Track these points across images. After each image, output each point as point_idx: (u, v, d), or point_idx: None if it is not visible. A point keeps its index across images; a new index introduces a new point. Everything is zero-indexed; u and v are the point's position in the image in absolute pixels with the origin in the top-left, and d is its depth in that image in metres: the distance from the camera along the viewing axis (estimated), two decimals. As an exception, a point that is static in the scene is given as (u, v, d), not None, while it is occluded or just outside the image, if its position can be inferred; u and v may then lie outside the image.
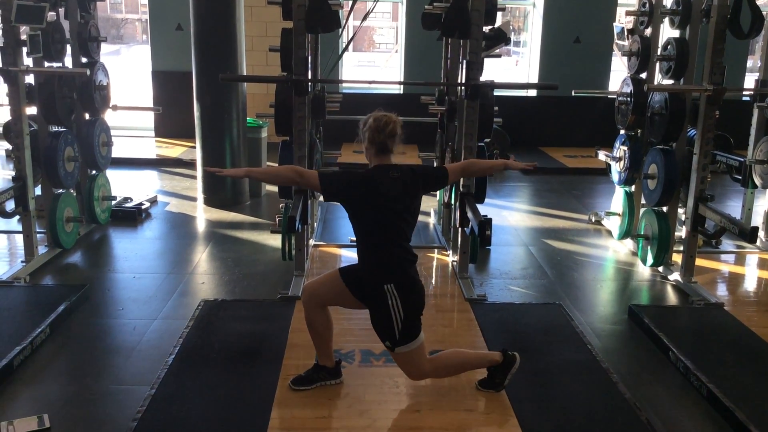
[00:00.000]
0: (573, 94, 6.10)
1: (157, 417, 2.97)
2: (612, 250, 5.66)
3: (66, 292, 4.22)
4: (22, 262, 4.75)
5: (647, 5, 5.42)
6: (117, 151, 6.27)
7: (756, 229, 4.51)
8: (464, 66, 4.57)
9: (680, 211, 5.23)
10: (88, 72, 5.31)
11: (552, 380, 3.39)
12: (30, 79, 4.91)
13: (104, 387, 3.31)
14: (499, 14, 4.78)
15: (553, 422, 3.02)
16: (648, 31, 5.47)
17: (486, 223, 4.03)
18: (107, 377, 3.41)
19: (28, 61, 4.78)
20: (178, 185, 7.54)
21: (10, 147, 4.80)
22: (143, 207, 6.29)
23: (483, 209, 4.39)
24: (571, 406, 3.16)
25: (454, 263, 4.96)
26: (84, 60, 5.49)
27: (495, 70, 10.50)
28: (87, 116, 5.64)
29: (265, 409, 3.04)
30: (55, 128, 5.13)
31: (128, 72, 16.30)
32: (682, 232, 5.07)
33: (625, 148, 5.55)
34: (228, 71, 6.24)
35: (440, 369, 3.18)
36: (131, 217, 6.11)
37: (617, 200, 5.87)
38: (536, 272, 5.08)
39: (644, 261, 5.18)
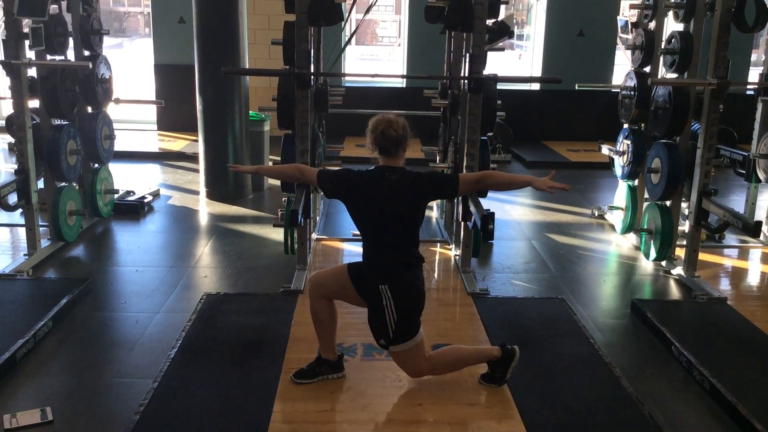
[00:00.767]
0: (576, 87, 6.08)
1: (159, 410, 2.97)
2: (615, 245, 5.65)
3: (69, 286, 4.22)
4: (24, 255, 4.76)
5: (651, -2, 5.40)
6: (119, 145, 6.27)
7: (759, 223, 4.51)
8: (467, 59, 4.55)
9: (683, 205, 5.22)
10: (91, 65, 5.30)
11: (554, 374, 3.38)
12: (32, 72, 4.90)
13: (107, 380, 3.32)
14: (502, 7, 4.76)
15: (555, 416, 3.02)
16: (652, 25, 5.44)
17: (489, 217, 4.03)
18: (110, 370, 3.41)
19: (30, 54, 4.78)
20: (181, 179, 7.54)
21: (12, 140, 4.80)
22: (146, 200, 6.29)
23: (486, 203, 4.39)
24: (574, 400, 3.16)
25: (457, 257, 4.95)
26: (86, 53, 5.48)
27: (498, 63, 10.47)
28: (89, 109, 5.63)
29: (267, 402, 3.04)
30: (57, 121, 5.13)
31: (131, 65, 16.28)
32: (685, 226, 5.06)
33: (629, 142, 5.54)
34: (230, 64, 6.23)
35: (438, 366, 3.18)
36: (134, 210, 6.11)
37: (620, 194, 5.85)
38: (539, 266, 5.07)
39: (647, 255, 5.17)
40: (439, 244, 5.39)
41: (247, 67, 7.01)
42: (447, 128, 5.59)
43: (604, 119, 8.24)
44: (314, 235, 5.38)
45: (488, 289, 4.45)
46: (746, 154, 5.41)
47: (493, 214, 4.04)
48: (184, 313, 3.99)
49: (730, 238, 5.72)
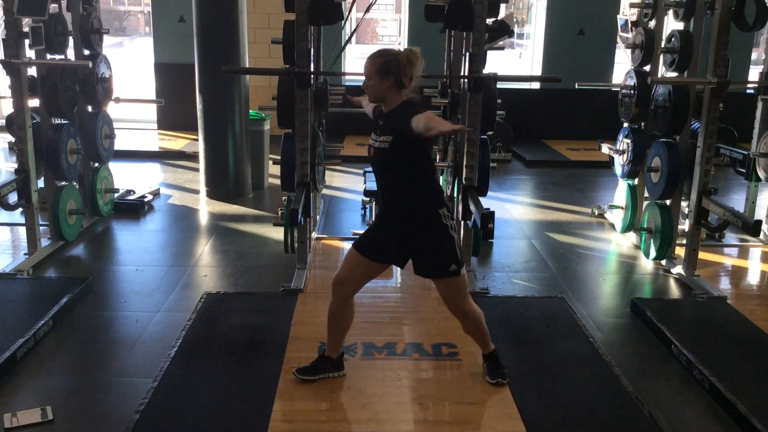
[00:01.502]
0: (576, 86, 6.07)
1: (159, 409, 2.98)
2: (615, 244, 5.65)
3: (69, 285, 4.23)
4: (25, 254, 4.76)
5: (651, -3, 5.39)
6: (119, 144, 6.27)
7: (759, 222, 4.51)
8: (467, 58, 4.55)
9: (683, 204, 5.22)
10: (91, 64, 5.30)
11: (554, 373, 3.38)
12: (32, 71, 4.90)
13: (107, 379, 3.32)
14: (502, 6, 4.76)
15: (555, 415, 3.02)
16: (652, 24, 5.44)
17: (488, 216, 4.03)
18: (110, 369, 3.42)
19: (30, 54, 4.78)
20: (181, 178, 7.54)
21: (12, 139, 4.80)
22: (146, 199, 6.29)
23: (485, 202, 4.39)
24: (573, 399, 3.16)
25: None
26: (86, 52, 5.48)
27: (498, 62, 10.47)
28: (89, 109, 5.63)
29: (267, 401, 3.04)
30: (57, 121, 5.13)
31: (131, 64, 16.27)
32: (685, 225, 5.06)
33: (629, 140, 5.53)
34: (230, 63, 6.23)
35: (474, 315, 3.17)
36: (134, 209, 6.11)
37: (620, 193, 5.85)
38: (539, 265, 5.07)
39: (647, 254, 5.17)
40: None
41: (247, 66, 7.01)
42: (447, 127, 5.57)
43: (604, 118, 8.23)
44: (314, 234, 5.38)
45: (488, 288, 4.46)
46: (746, 152, 5.40)
47: (492, 213, 4.04)
48: (185, 312, 3.99)
49: (730, 237, 5.72)
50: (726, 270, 5.19)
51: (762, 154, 5.27)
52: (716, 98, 4.51)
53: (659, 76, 5.33)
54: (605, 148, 6.01)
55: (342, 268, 3.17)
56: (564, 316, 4.07)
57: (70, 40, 5.25)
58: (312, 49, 4.64)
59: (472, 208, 4.25)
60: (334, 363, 3.25)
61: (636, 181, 5.68)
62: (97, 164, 5.76)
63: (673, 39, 5.00)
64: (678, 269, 4.84)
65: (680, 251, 4.97)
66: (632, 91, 5.47)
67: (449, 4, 4.50)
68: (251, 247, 5.29)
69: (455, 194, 5.03)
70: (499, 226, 5.55)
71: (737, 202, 6.45)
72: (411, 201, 3.00)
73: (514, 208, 6.64)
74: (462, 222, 4.61)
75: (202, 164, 6.74)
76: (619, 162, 5.74)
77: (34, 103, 4.92)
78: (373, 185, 5.76)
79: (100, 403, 3.13)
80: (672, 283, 4.78)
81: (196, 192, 6.87)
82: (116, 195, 6.11)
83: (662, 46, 5.20)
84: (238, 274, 4.73)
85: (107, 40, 5.98)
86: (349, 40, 7.02)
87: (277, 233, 5.35)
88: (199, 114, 6.59)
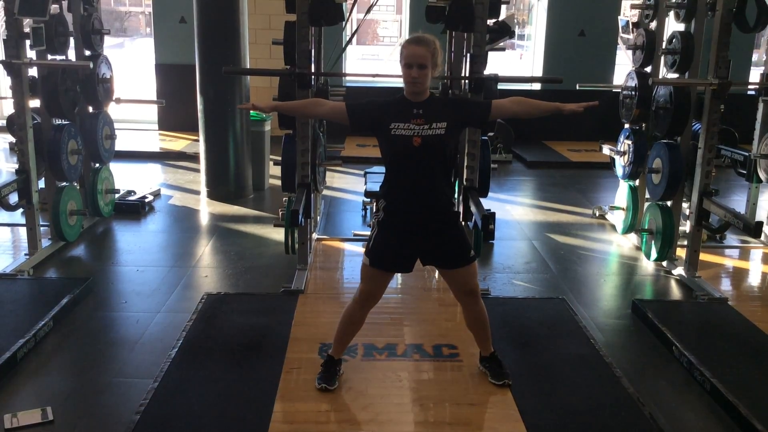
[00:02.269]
0: (577, 87, 6.07)
1: (160, 410, 2.97)
2: (616, 245, 5.64)
3: (69, 285, 4.22)
4: (25, 255, 4.76)
5: (652, -2, 5.39)
6: (120, 144, 6.27)
7: (761, 223, 4.50)
8: (468, 59, 4.55)
9: (684, 205, 5.21)
10: (92, 65, 5.30)
11: (555, 375, 3.38)
12: (33, 71, 4.90)
13: (107, 380, 3.32)
14: (503, 7, 4.76)
15: (555, 417, 3.01)
16: (653, 25, 5.44)
17: (489, 217, 4.02)
18: (110, 370, 3.41)
19: (31, 54, 4.78)
20: (182, 178, 7.54)
21: (13, 140, 4.80)
22: (146, 200, 6.29)
23: (486, 203, 4.39)
24: (574, 400, 3.15)
25: (458, 257, 4.94)
26: (87, 53, 5.48)
27: (499, 63, 10.46)
28: (90, 109, 5.63)
29: (267, 402, 3.04)
30: (58, 121, 5.13)
31: (132, 65, 16.28)
32: (686, 226, 5.06)
33: (630, 142, 5.53)
34: (231, 64, 6.23)
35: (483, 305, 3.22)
36: (134, 210, 6.11)
37: (621, 194, 5.85)
38: (540, 266, 5.07)
39: (648, 255, 5.17)
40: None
41: (248, 66, 7.01)
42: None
43: (605, 119, 8.23)
44: (315, 235, 5.38)
45: (489, 290, 4.45)
46: (747, 154, 5.40)
47: (493, 214, 4.03)
48: (185, 312, 3.99)
49: (731, 239, 5.72)
50: (727, 271, 5.19)
51: (763, 155, 5.27)
52: (717, 99, 4.51)
53: (660, 77, 5.33)
54: (606, 150, 6.01)
55: (369, 285, 3.09)
56: (565, 317, 4.06)
57: (71, 40, 5.25)
58: (313, 50, 4.64)
59: (473, 209, 4.25)
60: (338, 363, 3.25)
61: (637, 182, 5.68)
62: (97, 165, 5.77)
63: (674, 40, 5.00)
64: (679, 270, 4.84)
65: (681, 252, 4.97)
66: (633, 93, 5.47)
67: (450, 5, 4.50)
68: (252, 248, 5.29)
69: (456, 195, 5.03)
70: (500, 227, 5.54)
71: (738, 203, 6.45)
72: (444, 188, 3.02)
73: (515, 209, 6.63)
74: (463, 223, 4.61)
75: (202, 165, 6.74)
76: (620, 163, 5.73)
77: (35, 103, 4.92)
78: (374, 186, 5.76)
79: (100, 404, 3.12)
80: (673, 285, 4.78)
81: (197, 193, 6.87)
82: (117, 195, 6.11)
83: (663, 47, 5.20)
84: (238, 275, 4.73)
85: (108, 40, 5.98)
86: (349, 41, 7.03)
87: (278, 234, 5.35)
88: (199, 115, 6.59)
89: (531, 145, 9.45)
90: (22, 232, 5.07)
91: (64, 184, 5.17)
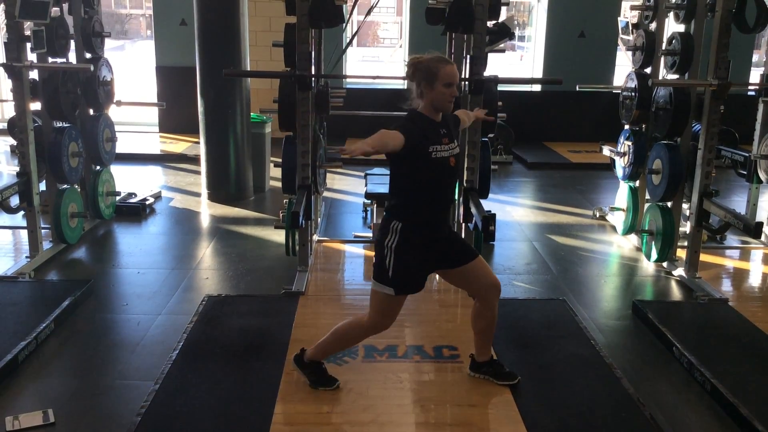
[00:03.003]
0: (577, 88, 6.07)
1: (161, 412, 2.98)
2: (616, 246, 5.65)
3: (70, 288, 4.23)
4: (26, 257, 4.77)
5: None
6: (121, 147, 6.28)
7: (761, 224, 4.50)
8: (468, 61, 4.56)
9: (685, 206, 5.22)
10: (92, 67, 5.31)
11: (555, 375, 3.38)
12: (34, 74, 4.91)
13: (108, 382, 3.32)
14: (503, 9, 4.76)
15: (556, 417, 3.02)
16: (653, 26, 5.44)
17: (490, 219, 4.02)
18: (111, 372, 3.42)
19: (32, 57, 4.79)
20: (182, 181, 7.55)
21: (14, 142, 4.81)
22: (147, 202, 6.29)
23: (487, 204, 4.39)
24: (575, 401, 3.16)
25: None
26: (88, 55, 5.49)
27: (499, 64, 10.46)
28: (91, 112, 5.64)
29: (268, 404, 3.04)
30: (59, 124, 5.14)
31: (132, 67, 16.30)
32: (686, 227, 5.06)
33: (630, 143, 5.54)
34: (232, 66, 6.24)
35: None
36: (135, 212, 6.12)
37: (621, 195, 5.85)
38: (540, 268, 5.07)
39: (648, 256, 5.17)
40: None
41: (249, 69, 7.02)
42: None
43: (605, 120, 8.24)
44: (315, 237, 5.39)
45: (489, 291, 4.45)
46: (747, 154, 5.40)
47: (494, 215, 4.03)
48: (186, 314, 3.99)
49: (732, 239, 5.72)
50: (727, 272, 5.19)
51: (763, 155, 5.27)
52: (717, 100, 4.51)
53: (660, 78, 5.33)
54: (606, 150, 6.01)
55: (388, 318, 3.04)
56: (565, 318, 4.06)
57: (72, 43, 5.26)
58: (313, 52, 4.65)
59: (474, 210, 4.25)
60: (323, 363, 3.24)
61: (637, 183, 5.68)
62: (98, 167, 5.77)
63: (673, 41, 5.01)
64: (679, 271, 4.84)
65: (681, 253, 4.97)
66: (633, 94, 5.47)
67: (450, 6, 4.51)
68: (252, 250, 5.30)
69: (456, 196, 5.04)
70: (501, 229, 5.53)
71: (738, 204, 6.45)
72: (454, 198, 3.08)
73: (515, 211, 6.64)
74: (463, 224, 4.62)
75: (203, 167, 6.75)
76: (620, 164, 5.74)
77: (35, 106, 4.93)
78: (374, 188, 5.77)
79: (101, 406, 3.13)
80: (673, 285, 4.78)
81: (198, 195, 6.88)
82: (118, 198, 6.12)
83: (663, 48, 5.20)
84: (239, 277, 4.74)
85: (109, 43, 5.99)
86: (350, 43, 7.04)
87: (279, 236, 5.36)
88: (200, 117, 6.60)
89: (531, 146, 9.45)
90: (23, 234, 5.07)
91: (65, 186, 5.18)
